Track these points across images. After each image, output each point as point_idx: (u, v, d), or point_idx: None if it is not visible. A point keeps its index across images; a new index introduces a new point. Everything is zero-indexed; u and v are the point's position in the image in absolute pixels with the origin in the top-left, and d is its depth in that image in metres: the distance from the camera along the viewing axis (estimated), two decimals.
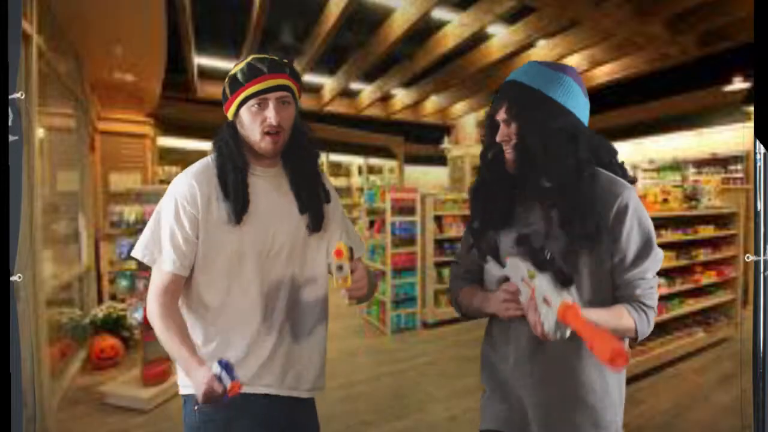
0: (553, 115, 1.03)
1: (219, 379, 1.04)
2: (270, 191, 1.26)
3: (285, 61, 1.24)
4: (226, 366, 1.05)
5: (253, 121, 1.20)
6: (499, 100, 1.08)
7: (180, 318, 1.20)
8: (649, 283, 1.05)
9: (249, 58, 1.22)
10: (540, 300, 0.92)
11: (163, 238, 1.19)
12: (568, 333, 0.89)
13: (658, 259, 1.06)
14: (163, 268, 1.18)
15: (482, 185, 1.16)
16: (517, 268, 1.03)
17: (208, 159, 1.26)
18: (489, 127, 1.10)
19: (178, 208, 1.18)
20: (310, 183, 1.30)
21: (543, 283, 0.92)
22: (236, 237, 1.20)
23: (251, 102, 1.19)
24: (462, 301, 1.24)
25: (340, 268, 1.12)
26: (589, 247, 1.02)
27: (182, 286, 1.22)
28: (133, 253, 1.21)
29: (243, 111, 1.21)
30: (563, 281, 0.91)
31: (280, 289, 1.25)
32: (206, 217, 1.19)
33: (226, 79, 1.23)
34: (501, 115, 1.07)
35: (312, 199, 1.28)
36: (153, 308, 1.18)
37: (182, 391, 1.26)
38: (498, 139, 1.08)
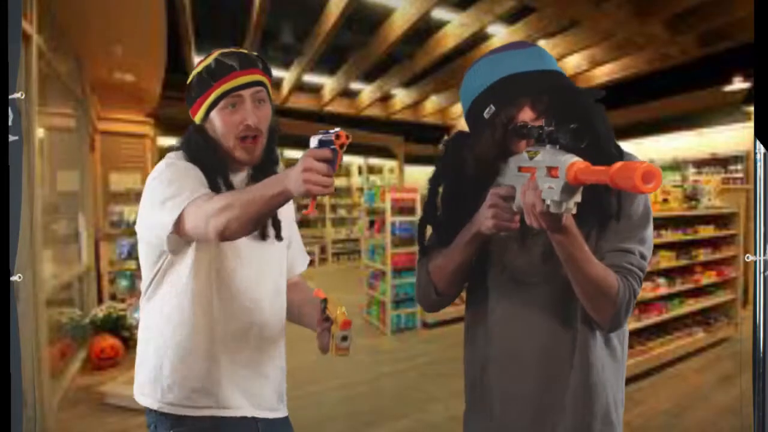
0: (590, 97, 0.87)
1: (321, 143, 0.87)
2: None
3: (255, 54, 1.11)
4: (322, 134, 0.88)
5: (227, 125, 1.06)
6: (519, 96, 0.87)
7: None
8: (638, 261, 0.91)
9: (215, 54, 1.08)
10: (542, 175, 0.76)
11: (180, 187, 0.99)
12: (573, 204, 0.74)
13: (650, 242, 0.94)
14: (192, 196, 0.96)
15: (462, 184, 0.97)
16: (510, 170, 0.87)
17: (180, 155, 1.10)
18: (502, 131, 0.87)
19: (186, 170, 1.04)
20: None
21: (546, 156, 0.77)
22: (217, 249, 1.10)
23: (224, 102, 1.05)
24: (434, 268, 1.02)
25: (344, 338, 1.06)
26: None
27: None
28: (168, 230, 0.98)
29: (214, 114, 1.07)
30: (575, 138, 0.74)
31: (256, 301, 1.18)
32: None
33: (191, 79, 1.09)
34: (528, 114, 0.87)
35: None
36: (216, 205, 0.91)
37: (141, 400, 1.14)
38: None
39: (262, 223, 1.03)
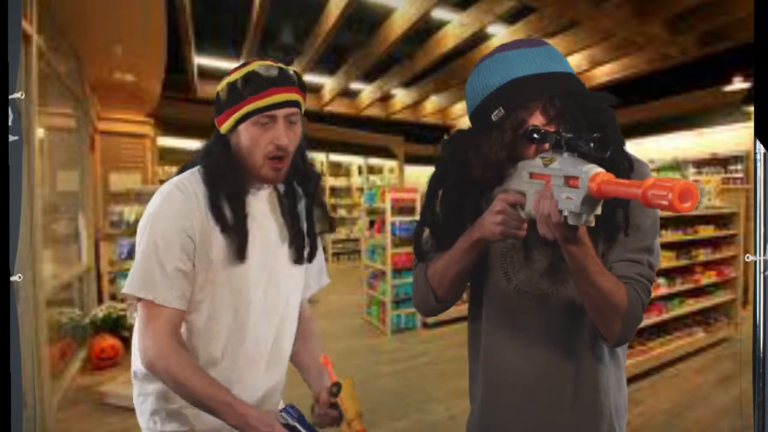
0: (603, 102, 0.83)
1: (293, 429, 0.91)
2: (265, 214, 1.11)
3: (293, 70, 1.06)
4: (297, 415, 0.92)
5: (256, 142, 1.01)
6: (531, 100, 0.83)
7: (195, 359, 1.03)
8: (647, 272, 0.88)
9: (254, 66, 1.02)
10: (559, 183, 0.72)
11: (160, 266, 1.00)
12: (592, 217, 0.71)
13: (657, 251, 0.91)
14: (166, 303, 0.99)
15: (461, 184, 0.93)
16: (520, 175, 0.83)
17: (196, 174, 1.07)
18: (511, 135, 0.84)
19: (173, 229, 1.00)
20: (307, 210, 1.15)
21: (564, 164, 0.73)
22: (236, 271, 1.06)
23: (255, 119, 1.00)
24: (432, 273, 0.98)
25: (345, 421, 1.00)
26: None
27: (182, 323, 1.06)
28: (128, 290, 1.01)
29: (243, 128, 1.02)
30: (600, 147, 0.69)
31: (274, 325, 1.14)
32: (202, 245, 1.03)
33: (223, 85, 1.04)
34: (538, 119, 0.84)
35: (306, 229, 1.14)
36: (168, 355, 0.96)
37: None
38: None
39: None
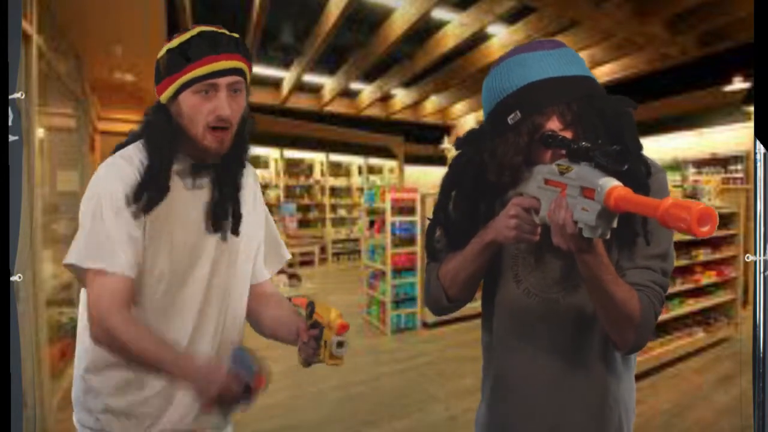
0: (621, 106, 0.82)
1: (235, 374, 0.87)
2: (204, 186, 1.06)
3: (236, 36, 1.00)
4: (240, 357, 0.89)
5: (197, 112, 0.96)
6: (548, 105, 0.81)
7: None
8: (661, 279, 0.87)
9: (194, 30, 0.96)
10: (575, 194, 0.72)
11: (111, 233, 0.94)
12: (608, 232, 0.70)
13: (672, 257, 0.89)
14: (117, 271, 0.93)
15: (478, 185, 0.93)
16: (535, 180, 0.82)
17: (140, 146, 1.04)
18: (528, 139, 0.83)
19: (121, 197, 0.96)
20: (235, 181, 1.10)
21: (581, 174, 0.72)
22: (178, 242, 1.02)
23: (196, 87, 0.95)
24: (445, 273, 0.97)
25: (340, 344, 0.95)
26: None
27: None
28: (73, 260, 0.93)
29: (183, 97, 0.96)
30: (618, 160, 0.68)
31: (209, 302, 1.09)
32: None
33: (163, 53, 0.98)
34: (555, 124, 0.82)
35: (235, 200, 1.09)
36: (116, 321, 0.91)
37: None
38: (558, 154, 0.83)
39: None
